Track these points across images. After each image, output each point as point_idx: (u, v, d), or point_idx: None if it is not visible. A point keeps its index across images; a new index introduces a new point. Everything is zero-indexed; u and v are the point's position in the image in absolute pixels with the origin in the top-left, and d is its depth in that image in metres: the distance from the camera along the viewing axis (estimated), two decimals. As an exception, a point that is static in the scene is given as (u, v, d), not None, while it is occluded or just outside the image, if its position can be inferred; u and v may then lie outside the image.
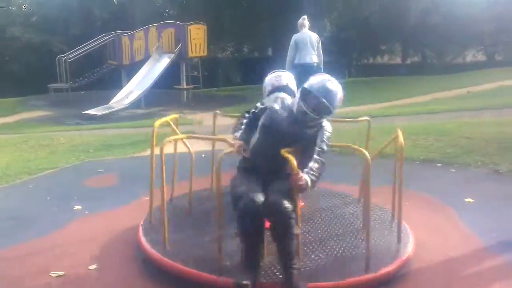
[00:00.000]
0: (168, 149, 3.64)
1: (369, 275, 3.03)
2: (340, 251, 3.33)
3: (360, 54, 29.57)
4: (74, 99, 17.30)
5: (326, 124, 3.13)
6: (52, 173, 6.04)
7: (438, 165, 5.98)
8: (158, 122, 3.79)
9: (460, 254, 3.53)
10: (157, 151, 3.51)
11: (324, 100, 2.95)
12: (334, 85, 3.04)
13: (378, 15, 22.06)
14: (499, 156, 6.07)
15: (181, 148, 4.19)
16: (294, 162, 2.83)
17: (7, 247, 3.72)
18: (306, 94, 3.03)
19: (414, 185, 4.80)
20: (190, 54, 16.14)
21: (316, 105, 2.98)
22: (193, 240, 3.51)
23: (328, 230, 3.70)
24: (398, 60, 29.91)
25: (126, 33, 17.98)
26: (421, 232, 3.77)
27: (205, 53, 16.94)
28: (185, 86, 17.06)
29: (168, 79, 16.32)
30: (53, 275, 3.25)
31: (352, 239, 3.53)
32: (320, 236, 3.57)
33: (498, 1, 26.00)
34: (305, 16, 8.50)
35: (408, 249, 3.39)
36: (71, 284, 3.15)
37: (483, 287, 3.09)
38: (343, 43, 26.33)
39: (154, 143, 3.69)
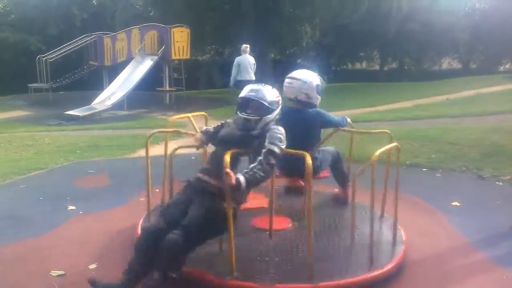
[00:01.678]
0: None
1: (371, 274, 3.13)
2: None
3: (340, 60, 29.94)
4: (55, 99, 17.04)
5: (276, 127, 3.21)
6: (42, 174, 5.99)
7: (424, 169, 6.15)
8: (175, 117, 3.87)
9: (450, 255, 3.67)
10: (156, 151, 3.55)
11: (254, 98, 3.16)
12: (261, 86, 3.28)
13: (358, 22, 22.36)
14: (482, 161, 6.29)
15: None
16: (227, 160, 2.86)
17: (5, 246, 3.70)
18: (240, 103, 3.25)
19: (402, 188, 4.91)
20: (173, 57, 16.09)
21: (250, 106, 3.19)
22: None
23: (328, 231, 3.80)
24: (376, 66, 30.40)
25: (108, 34, 17.82)
26: (412, 234, 3.88)
27: (188, 56, 16.91)
28: (168, 89, 16.99)
29: (150, 81, 16.22)
30: (53, 274, 3.25)
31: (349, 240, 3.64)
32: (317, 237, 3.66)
33: (475, 10, 26.74)
34: (247, 45, 11.97)
35: (402, 250, 3.51)
36: (73, 283, 3.16)
37: (474, 285, 3.22)
38: (323, 49, 26.66)
39: (167, 142, 3.72)
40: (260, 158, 2.99)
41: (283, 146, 3.12)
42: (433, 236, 4.02)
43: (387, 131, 4.29)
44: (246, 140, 3.14)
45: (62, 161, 6.63)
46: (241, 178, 2.85)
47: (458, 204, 4.79)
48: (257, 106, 3.17)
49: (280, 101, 3.31)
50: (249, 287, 2.95)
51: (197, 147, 3.53)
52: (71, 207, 4.62)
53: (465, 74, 24.66)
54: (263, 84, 3.32)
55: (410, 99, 14.21)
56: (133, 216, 4.09)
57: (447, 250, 3.74)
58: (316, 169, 3.80)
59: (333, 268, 3.20)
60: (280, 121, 3.45)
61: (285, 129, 3.41)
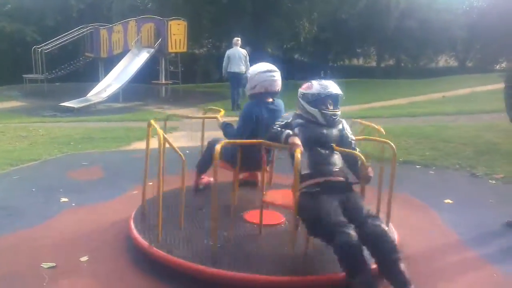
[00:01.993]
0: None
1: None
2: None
3: (337, 56, 29.92)
4: (50, 90, 16.96)
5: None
6: (35, 165, 5.96)
7: (418, 167, 6.16)
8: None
9: (441, 252, 3.67)
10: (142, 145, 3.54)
11: (339, 93, 3.34)
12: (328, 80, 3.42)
13: (356, 18, 22.34)
14: (475, 159, 6.30)
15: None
16: (362, 157, 3.11)
17: (-4, 237, 3.69)
18: (324, 99, 3.31)
19: (395, 186, 4.93)
20: (170, 50, 16.02)
21: (335, 101, 3.37)
22: (186, 232, 3.55)
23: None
24: (373, 63, 30.41)
25: (104, 25, 17.73)
26: (404, 232, 3.89)
27: (185, 49, 16.86)
28: (164, 82, 16.93)
29: (146, 74, 16.17)
30: (44, 266, 3.24)
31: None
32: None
33: (473, 8, 26.73)
34: (238, 38, 12.33)
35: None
36: (64, 275, 3.16)
37: (465, 282, 3.23)
38: (321, 44, 26.62)
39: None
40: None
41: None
42: (425, 233, 4.02)
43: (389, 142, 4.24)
44: (343, 137, 3.36)
45: (56, 153, 6.60)
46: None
47: (450, 201, 4.79)
48: (338, 101, 3.36)
49: None
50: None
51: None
52: (64, 199, 4.61)
53: (461, 72, 24.71)
54: (325, 79, 3.48)
55: (406, 96, 14.25)
56: (127, 208, 4.08)
57: (439, 248, 3.75)
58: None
59: (317, 264, 3.19)
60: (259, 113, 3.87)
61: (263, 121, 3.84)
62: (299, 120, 3.33)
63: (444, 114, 10.13)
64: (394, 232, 3.71)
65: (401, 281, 2.75)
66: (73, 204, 4.50)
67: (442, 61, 30.60)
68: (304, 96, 3.34)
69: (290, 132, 3.19)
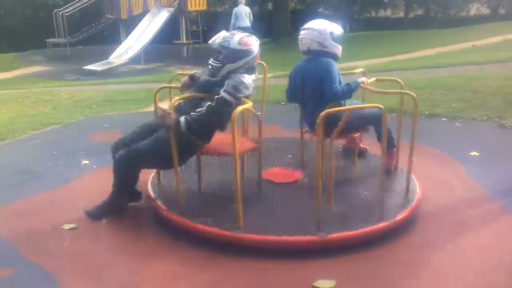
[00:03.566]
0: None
1: (379, 225, 3.09)
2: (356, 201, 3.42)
3: (362, 7, 28.94)
4: (73, 54, 17.06)
5: (238, 75, 3.26)
6: (57, 129, 6.02)
7: (443, 119, 5.97)
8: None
9: (465, 205, 3.58)
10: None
11: (217, 46, 3.29)
12: (231, 33, 3.37)
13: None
14: (504, 110, 6.06)
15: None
16: (173, 102, 3.19)
17: (17, 200, 3.75)
18: (212, 51, 3.37)
19: (420, 139, 4.79)
20: (189, 8, 15.79)
21: (217, 53, 3.33)
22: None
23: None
24: (401, 14, 29.30)
25: (124, -14, 17.54)
26: (428, 185, 3.80)
27: (205, 7, 16.60)
28: (185, 41, 16.77)
29: (167, 34, 16.02)
30: (65, 227, 3.29)
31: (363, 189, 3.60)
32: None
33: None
34: None
35: (415, 200, 3.43)
36: (85, 236, 3.20)
37: (488, 235, 3.16)
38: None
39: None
40: (209, 103, 3.16)
41: (240, 95, 3.21)
42: (449, 187, 3.92)
43: (362, 70, 4.25)
44: (206, 86, 3.32)
45: (78, 116, 6.65)
46: (181, 119, 3.10)
47: (477, 154, 4.65)
48: (224, 53, 3.30)
49: (251, 50, 3.34)
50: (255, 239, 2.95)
51: (181, 90, 3.64)
52: (85, 161, 4.65)
53: (494, 19, 23.59)
54: (237, 32, 3.42)
55: (434, 46, 13.72)
56: (145, 170, 4.08)
57: (463, 201, 3.66)
58: (349, 128, 3.59)
59: (342, 220, 3.16)
60: (294, 74, 3.84)
61: (297, 82, 3.74)
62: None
63: (473, 64, 9.71)
64: (416, 185, 3.64)
65: None
66: (94, 167, 4.53)
67: (474, 9, 29.25)
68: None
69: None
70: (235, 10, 13.87)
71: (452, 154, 4.64)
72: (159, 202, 3.44)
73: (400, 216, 3.19)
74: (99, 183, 4.11)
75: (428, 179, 3.94)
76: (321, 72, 3.65)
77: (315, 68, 3.73)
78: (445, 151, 4.73)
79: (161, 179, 3.81)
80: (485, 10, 28.61)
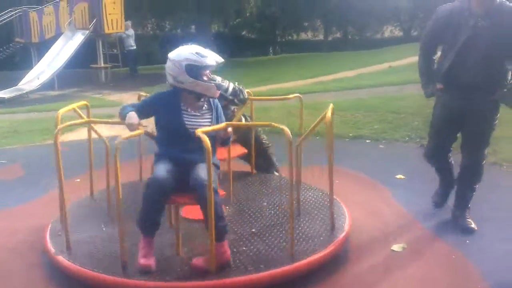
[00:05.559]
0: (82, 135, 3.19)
1: (294, 264, 2.77)
2: (269, 240, 3.06)
3: (284, 31, 29.55)
4: (-21, 81, 15.71)
5: None
6: None
7: (367, 141, 5.91)
8: (63, 110, 3.31)
9: (396, 234, 3.41)
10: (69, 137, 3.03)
11: None
12: None
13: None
14: (424, 131, 6.05)
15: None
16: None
17: None
18: None
19: (345, 162, 4.68)
20: (106, 30, 15.08)
21: None
22: (105, 239, 3.09)
23: (258, 218, 3.42)
24: (321, 36, 30.23)
25: (34, 7, 16.52)
26: (357, 212, 3.61)
27: (123, 29, 15.94)
28: (102, 65, 16.01)
29: (84, 58, 15.22)
30: None
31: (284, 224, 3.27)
32: (249, 225, 3.29)
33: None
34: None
35: (344, 231, 3.19)
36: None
37: (420, 266, 2.99)
38: (267, 20, 26.15)
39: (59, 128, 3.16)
40: None
41: None
42: (377, 213, 3.76)
43: (298, 95, 3.94)
44: None
45: (-28, 151, 5.91)
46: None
47: (402, 177, 4.56)
48: None
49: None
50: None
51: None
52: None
53: (406, 41, 24.87)
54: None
55: (353, 68, 14.03)
56: (46, 213, 3.56)
57: (392, 229, 3.49)
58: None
59: (252, 258, 2.83)
60: None
61: None
62: None
63: (391, 85, 9.94)
64: (345, 212, 3.41)
65: None
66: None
67: (388, 32, 30.79)
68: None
69: None
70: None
71: (379, 178, 4.54)
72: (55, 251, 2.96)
73: (322, 253, 2.91)
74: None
75: (356, 205, 3.76)
76: None
77: None
78: (372, 175, 4.64)
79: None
80: (398, 33, 30.20)
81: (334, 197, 3.34)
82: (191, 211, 3.28)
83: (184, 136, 2.86)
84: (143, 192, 2.69)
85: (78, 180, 4.32)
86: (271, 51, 29.01)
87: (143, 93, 4.05)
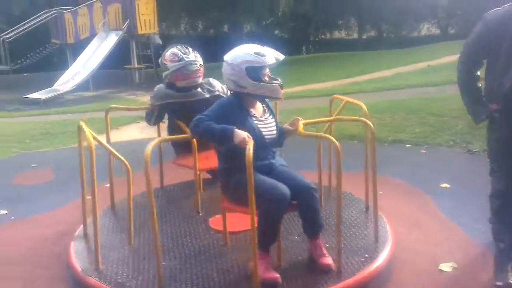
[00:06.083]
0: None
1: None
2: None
3: (317, 29, 29.15)
4: (16, 82, 16.07)
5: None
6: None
7: (408, 146, 5.60)
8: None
9: (443, 251, 3.11)
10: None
11: None
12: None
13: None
14: (470, 134, 5.73)
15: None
16: None
17: None
18: None
19: (385, 169, 4.39)
20: (139, 31, 15.13)
21: None
22: (135, 255, 2.94)
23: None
24: (355, 35, 29.69)
25: (69, 9, 16.75)
26: (398, 224, 3.34)
27: (156, 30, 15.97)
28: (136, 66, 16.09)
29: (118, 59, 15.33)
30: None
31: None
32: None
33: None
34: None
35: (387, 248, 2.93)
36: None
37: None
38: (299, 19, 25.83)
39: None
40: None
41: (150, 102, 3.82)
42: (422, 227, 3.47)
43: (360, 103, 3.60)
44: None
45: (4, 154, 5.88)
46: None
47: (447, 185, 4.24)
48: None
49: (166, 66, 3.68)
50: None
51: None
52: (1, 212, 3.95)
53: (443, 39, 24.12)
54: (184, 47, 3.74)
55: (390, 67, 13.62)
56: (75, 220, 3.47)
57: (439, 244, 3.19)
58: None
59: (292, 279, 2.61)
60: None
61: None
62: None
63: (432, 85, 9.51)
64: (386, 225, 3.16)
65: None
66: (12, 218, 3.86)
67: (425, 30, 29.98)
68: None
69: None
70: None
71: (422, 187, 4.24)
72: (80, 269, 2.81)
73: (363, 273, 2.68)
74: (14, 239, 3.44)
75: (399, 218, 3.50)
76: None
77: None
78: (414, 183, 4.35)
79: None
80: (435, 30, 29.37)
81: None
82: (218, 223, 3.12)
83: (260, 143, 2.65)
84: (264, 209, 2.50)
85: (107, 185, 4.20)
86: (304, 50, 28.70)
87: (114, 105, 4.08)
